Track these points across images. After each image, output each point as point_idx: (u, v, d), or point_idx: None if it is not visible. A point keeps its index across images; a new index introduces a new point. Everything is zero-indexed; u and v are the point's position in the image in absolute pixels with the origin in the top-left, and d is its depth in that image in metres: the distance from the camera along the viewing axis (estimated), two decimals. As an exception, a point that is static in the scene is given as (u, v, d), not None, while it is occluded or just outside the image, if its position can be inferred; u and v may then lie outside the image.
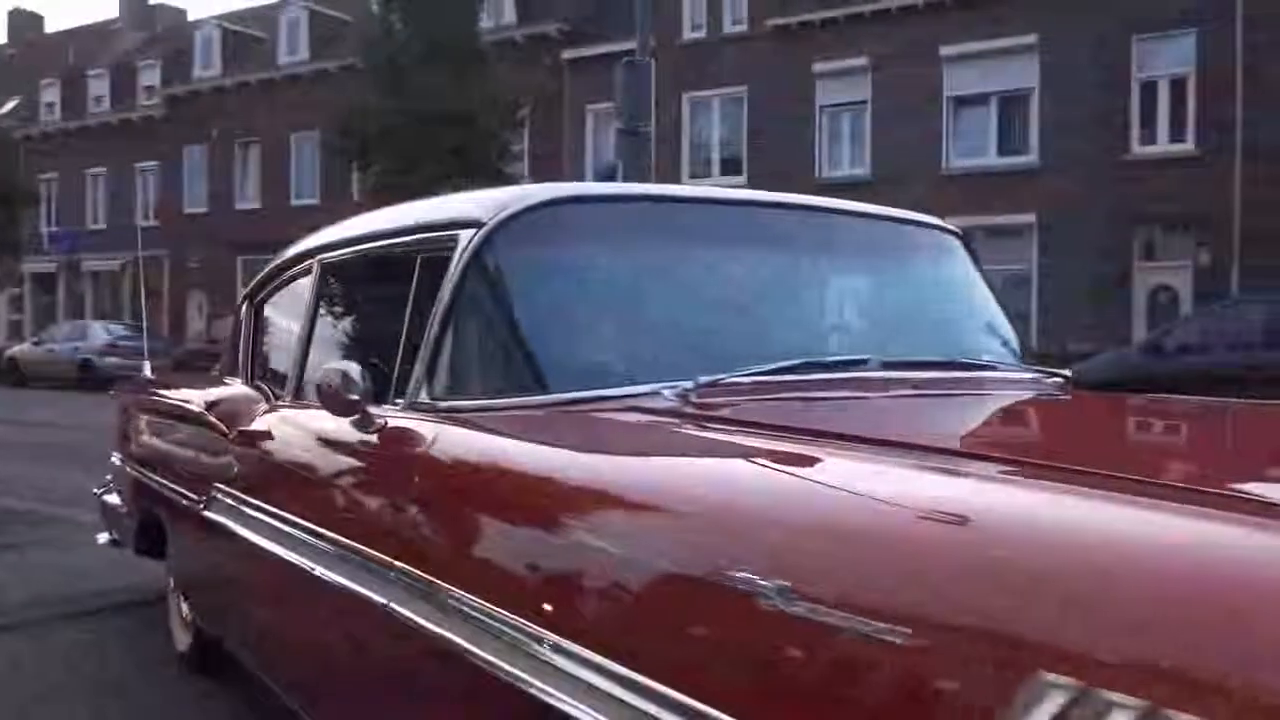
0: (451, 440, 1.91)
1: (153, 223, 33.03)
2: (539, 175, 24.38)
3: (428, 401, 2.12)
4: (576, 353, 2.07)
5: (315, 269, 2.90)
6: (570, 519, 1.58)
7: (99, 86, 35.41)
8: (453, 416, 2.00)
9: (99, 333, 24.06)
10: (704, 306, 2.19)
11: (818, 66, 22.19)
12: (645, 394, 1.94)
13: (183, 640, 3.84)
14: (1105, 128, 19.16)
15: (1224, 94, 18.16)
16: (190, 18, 38.12)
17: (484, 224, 2.15)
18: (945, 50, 20.70)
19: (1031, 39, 19.94)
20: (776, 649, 1.13)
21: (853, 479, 1.33)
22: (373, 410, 2.16)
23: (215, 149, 31.89)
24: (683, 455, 1.69)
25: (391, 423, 2.13)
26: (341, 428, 2.23)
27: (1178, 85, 19.05)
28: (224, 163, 31.84)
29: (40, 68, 37.50)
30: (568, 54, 25.36)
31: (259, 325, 3.45)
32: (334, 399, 2.15)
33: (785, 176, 21.73)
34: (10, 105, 37.09)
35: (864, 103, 21.87)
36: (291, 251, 3.20)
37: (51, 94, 36.55)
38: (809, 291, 2.35)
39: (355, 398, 2.13)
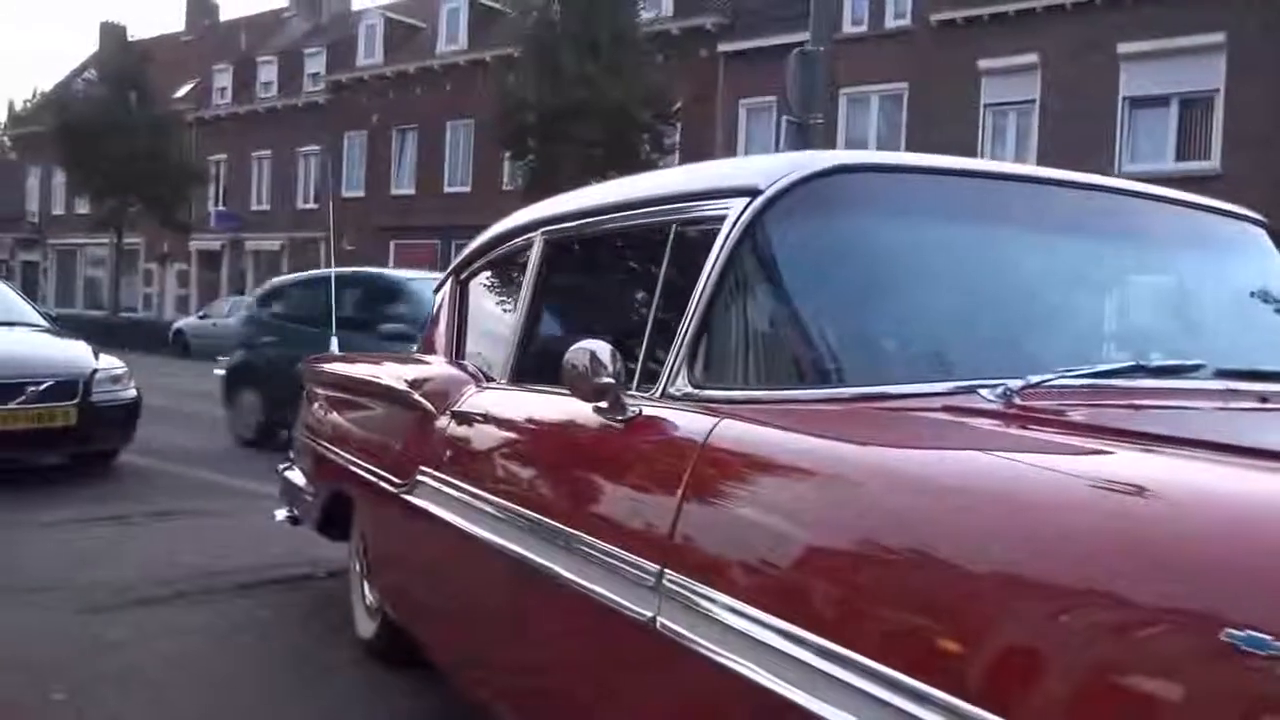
0: (736, 436, 1.67)
1: (312, 205, 34.11)
2: (690, 169, 24.13)
3: (688, 390, 1.89)
4: (872, 342, 1.82)
5: (538, 244, 2.72)
6: (896, 537, 1.33)
7: (268, 73, 36.73)
8: (726, 409, 1.77)
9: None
10: (1013, 296, 1.92)
11: (983, 63, 21.38)
12: (958, 392, 1.67)
13: (367, 627, 3.73)
14: (1297, 134, 17.90)
15: None
16: (355, 6, 39.20)
17: (760, 192, 1.91)
18: (1123, 48, 19.67)
19: (1219, 37, 18.77)
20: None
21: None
22: (624, 397, 1.95)
23: (374, 135, 32.69)
24: (1043, 469, 1.41)
25: (647, 411, 1.91)
26: (585, 414, 2.02)
27: (1383, 89, 17.69)
28: (382, 149, 32.62)
29: (214, 54, 39.12)
30: (723, 47, 25.09)
31: (465, 303, 3.29)
32: (582, 381, 1.94)
33: (945, 177, 21.03)
34: (185, 89, 38.78)
35: (1032, 102, 20.97)
36: (505, 226, 3.03)
37: (223, 79, 38.06)
38: (1122, 284, 2.03)
39: (608, 381, 1.92)
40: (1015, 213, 1.99)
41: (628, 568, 1.74)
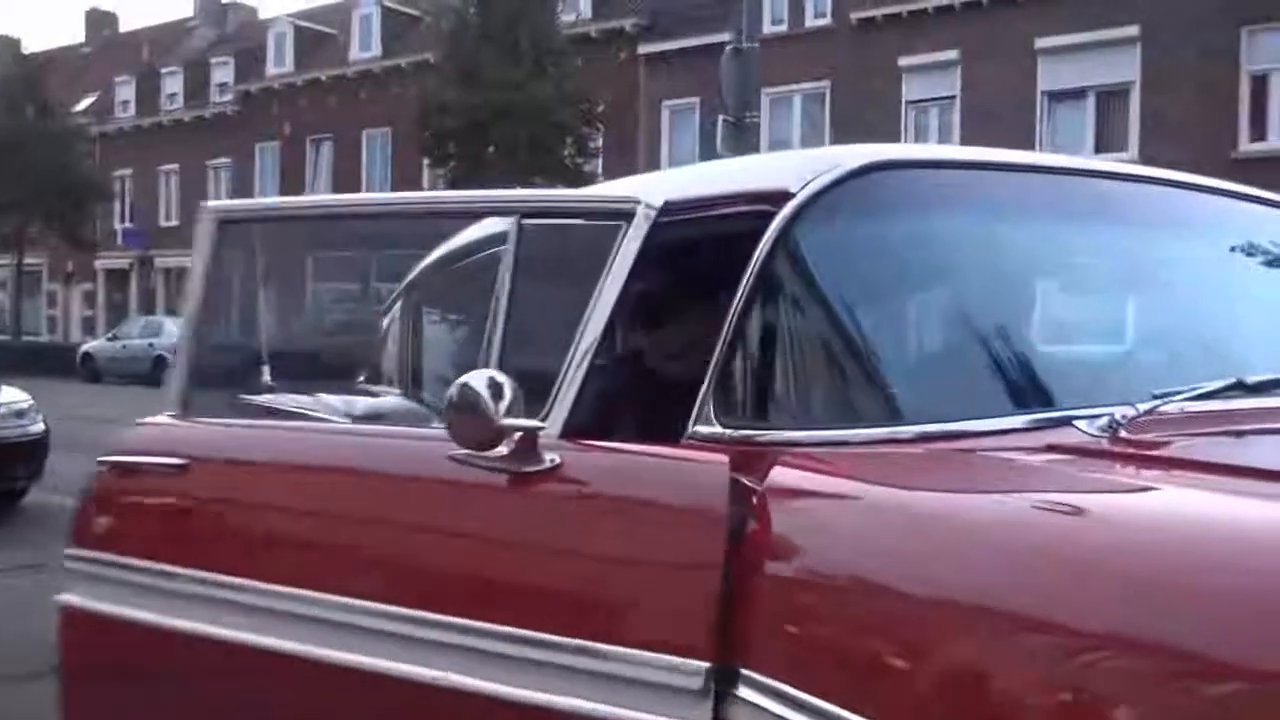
0: (800, 488, 1.38)
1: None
2: (613, 172, 23.92)
3: (718, 432, 1.58)
4: (945, 367, 1.54)
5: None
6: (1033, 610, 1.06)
7: (173, 84, 35.59)
8: (774, 453, 1.48)
9: (172, 329, 24.05)
10: (1091, 305, 1.66)
11: (904, 61, 21.46)
12: (1051, 425, 1.41)
13: None
14: (1211, 124, 18.23)
15: (1343, 88, 17.20)
16: (261, 15, 38.21)
17: (792, 195, 1.62)
18: (1040, 43, 19.88)
19: (1133, 30, 19.06)
20: None
21: None
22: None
23: (287, 146, 31.86)
24: (1186, 531, 1.15)
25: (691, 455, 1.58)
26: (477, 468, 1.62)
27: (1292, 78, 18.11)
28: (296, 160, 31.79)
29: (115, 66, 37.81)
30: (643, 49, 24.87)
31: (420, 327, 2.95)
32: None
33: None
34: (86, 103, 37.44)
35: (953, 98, 21.11)
36: (471, 237, 2.70)
37: (126, 91, 36.80)
38: (1210, 289, 1.79)
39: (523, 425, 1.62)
40: (1079, 210, 1.73)
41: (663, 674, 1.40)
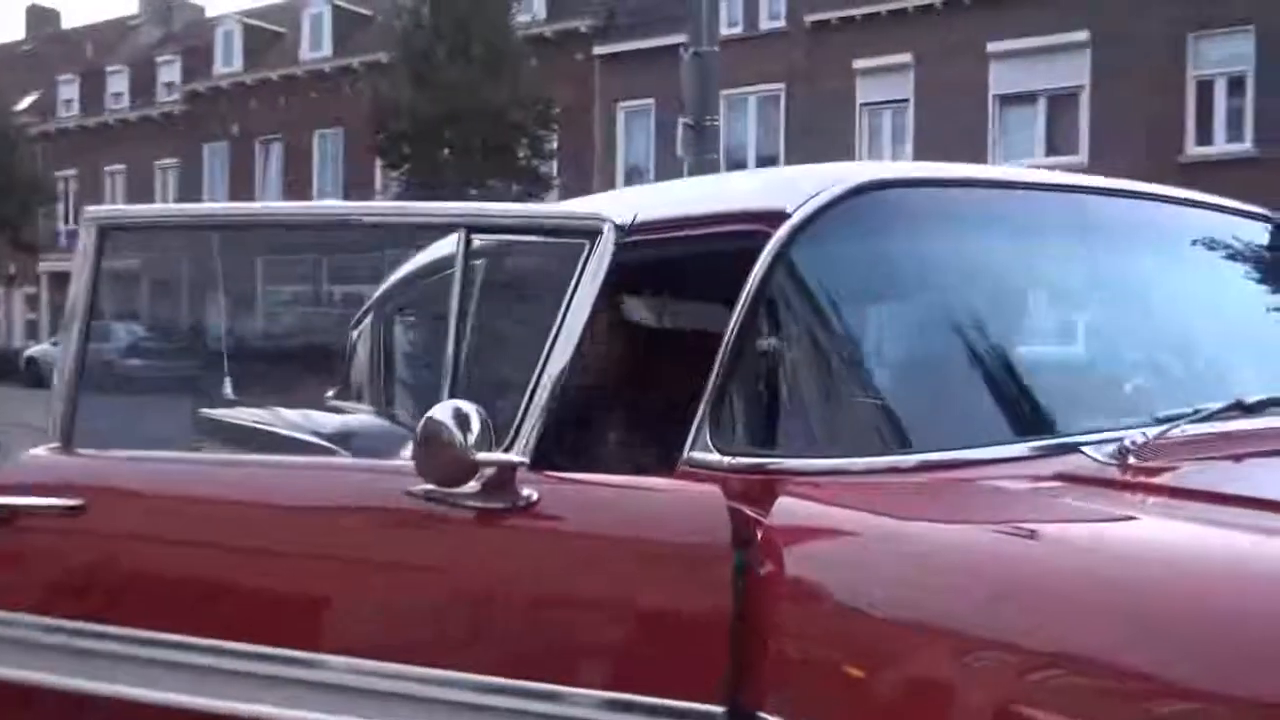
0: (807, 517, 1.34)
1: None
2: (569, 173, 23.83)
3: (714, 458, 1.54)
4: (948, 392, 1.50)
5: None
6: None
7: (118, 83, 34.91)
8: (773, 481, 1.44)
9: (120, 334, 23.58)
10: (1094, 327, 1.64)
11: (858, 63, 21.59)
12: (1056, 451, 1.38)
13: None
14: (1159, 128, 18.54)
15: (1285, 93, 17.54)
16: (208, 14, 37.61)
17: (787, 215, 1.58)
18: (992, 47, 20.09)
19: (1083, 35, 19.32)
20: None
21: None
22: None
23: (236, 147, 31.40)
24: (1204, 557, 1.13)
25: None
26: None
27: (1236, 84, 18.43)
28: (245, 160, 31.33)
29: (58, 64, 37.03)
30: (598, 50, 24.81)
31: (391, 343, 2.87)
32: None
33: (824, 176, 21.18)
34: (27, 101, 36.63)
35: (906, 101, 21.27)
36: (442, 250, 2.64)
37: (70, 90, 36.05)
38: (1202, 305, 1.77)
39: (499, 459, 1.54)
40: (1074, 227, 1.71)
41: None
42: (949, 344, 1.54)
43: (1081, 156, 19.49)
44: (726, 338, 1.57)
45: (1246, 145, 18.30)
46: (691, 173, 9.47)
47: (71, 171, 34.88)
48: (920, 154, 20.90)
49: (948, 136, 20.20)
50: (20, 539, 1.85)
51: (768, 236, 1.58)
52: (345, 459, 1.86)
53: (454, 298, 1.64)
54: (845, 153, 21.63)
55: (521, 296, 1.93)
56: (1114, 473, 1.32)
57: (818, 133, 21.80)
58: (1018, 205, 1.70)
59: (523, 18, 23.40)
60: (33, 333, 34.72)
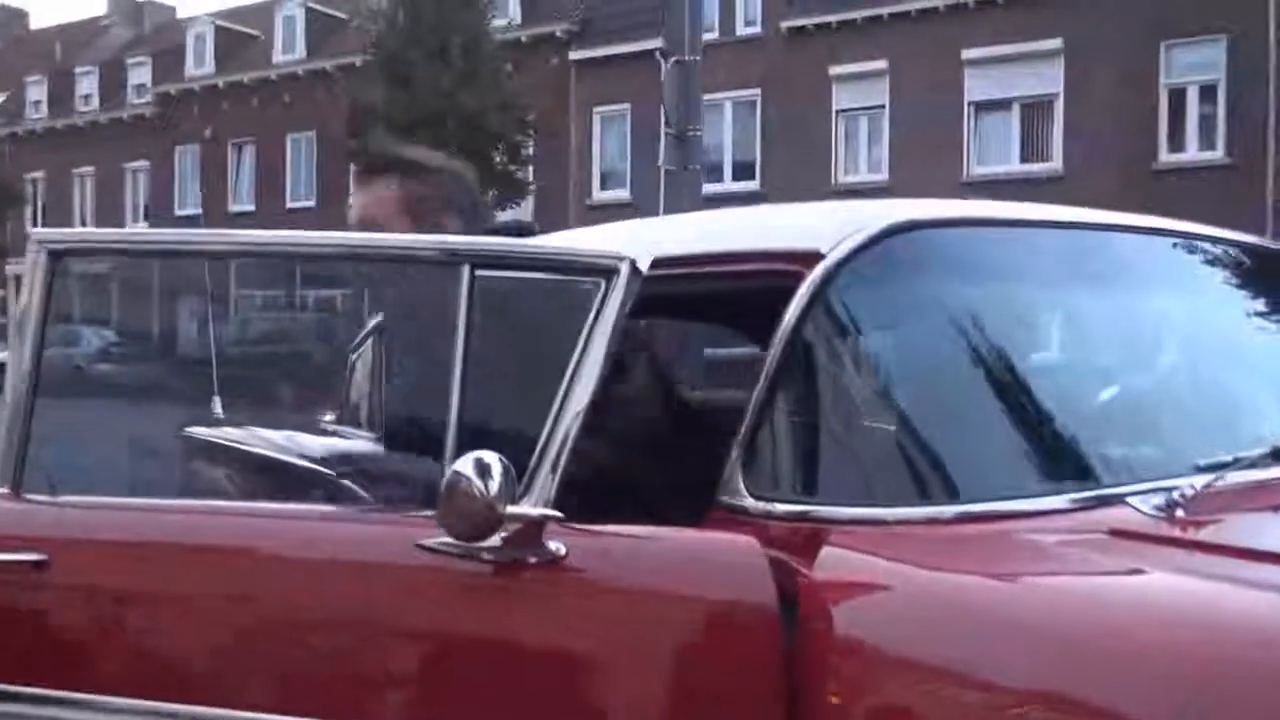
0: (855, 568, 1.31)
1: (143, 224, 32.28)
2: (546, 178, 23.77)
3: (748, 504, 1.51)
4: (987, 442, 1.48)
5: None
6: None
7: (87, 84, 34.52)
8: (812, 530, 1.41)
9: (91, 339, 23.30)
10: (1141, 371, 1.61)
11: (834, 69, 21.66)
12: (1101, 503, 1.36)
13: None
14: (1132, 135, 18.72)
15: (1256, 100, 17.73)
16: (179, 15, 37.26)
17: (821, 256, 1.55)
18: (967, 54, 20.20)
19: (1056, 43, 19.47)
20: None
21: None
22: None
23: (208, 149, 31.11)
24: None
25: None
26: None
27: (1208, 91, 18.63)
28: (217, 163, 31.06)
29: (26, 65, 36.56)
30: (574, 55, 24.76)
31: (390, 371, 2.82)
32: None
33: (800, 181, 21.22)
34: (-6, 103, 36.19)
35: (882, 107, 21.36)
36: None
37: (38, 91, 35.60)
38: (1237, 347, 1.75)
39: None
40: (1125, 270, 1.69)
41: None
42: (987, 390, 1.52)
43: (1056, 163, 19.64)
44: (761, 379, 1.54)
45: (1218, 153, 18.50)
46: (672, 182, 9.44)
47: (39, 174, 34.46)
48: (896, 160, 21.00)
49: (923, 143, 20.32)
50: None
51: (801, 277, 1.55)
52: (349, 509, 1.73)
53: (458, 338, 1.54)
54: (822, 159, 21.70)
55: (532, 336, 1.85)
56: (1164, 527, 1.29)
57: (794, 138, 21.86)
58: (1054, 244, 1.68)
59: (498, 22, 23.31)
60: (0, 335, 34.29)
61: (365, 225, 2.12)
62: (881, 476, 1.50)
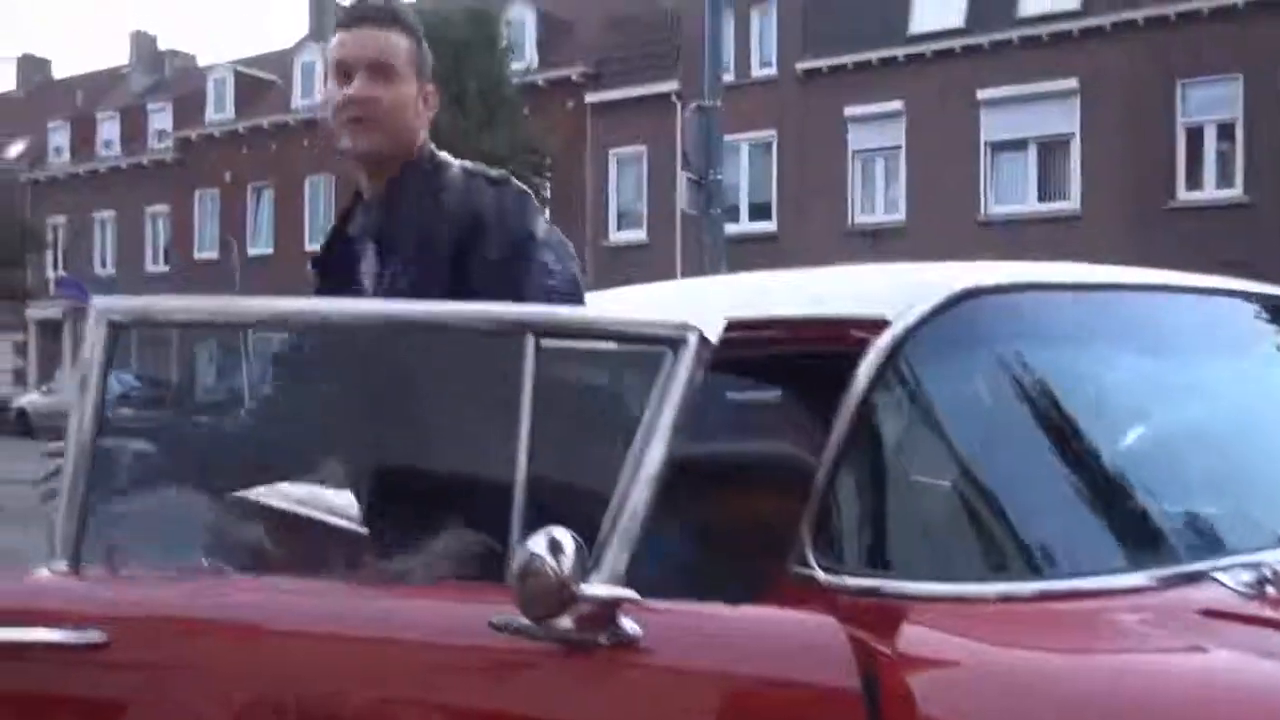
0: (943, 652, 1.27)
1: (163, 268, 32.55)
2: (562, 221, 23.85)
3: (818, 575, 1.47)
4: (1066, 515, 1.44)
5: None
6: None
7: (109, 130, 34.97)
8: (888, 607, 1.38)
9: (110, 383, 23.33)
10: (1220, 440, 1.57)
11: (849, 110, 21.75)
12: (1186, 580, 1.32)
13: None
14: (1149, 173, 18.72)
15: (1274, 137, 17.72)
16: (199, 62, 37.76)
17: (887, 323, 1.53)
18: (982, 94, 20.28)
19: (1072, 83, 19.53)
20: None
21: None
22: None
23: (227, 193, 31.41)
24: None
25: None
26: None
27: (1225, 130, 18.65)
28: (236, 207, 31.35)
29: (49, 111, 37.07)
30: (590, 98, 24.97)
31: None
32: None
33: (817, 222, 21.27)
34: (17, 149, 36.64)
35: (898, 147, 21.42)
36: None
37: (60, 137, 36.07)
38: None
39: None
40: (1199, 333, 1.66)
41: None
42: (1063, 460, 1.49)
43: (1073, 202, 19.65)
44: (830, 449, 1.51)
45: (1236, 190, 18.48)
46: (689, 224, 9.45)
47: (61, 218, 34.84)
48: (913, 200, 21.04)
49: (940, 183, 20.36)
50: (25, 679, 1.62)
51: (867, 344, 1.53)
52: (414, 582, 1.68)
53: (523, 408, 1.51)
54: (838, 199, 21.74)
55: (597, 406, 1.82)
56: (1256, 606, 1.26)
57: (810, 179, 21.93)
58: (1123, 308, 1.65)
59: (515, 65, 23.54)
60: (20, 379, 34.48)
61: (368, 77, 1.86)
62: (957, 550, 1.47)
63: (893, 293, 1.59)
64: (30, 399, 26.11)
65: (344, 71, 1.90)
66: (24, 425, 24.11)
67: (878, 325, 1.53)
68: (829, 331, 1.61)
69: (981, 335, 1.55)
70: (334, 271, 1.98)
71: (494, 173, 1.96)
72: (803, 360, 1.66)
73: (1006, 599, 1.35)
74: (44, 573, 1.67)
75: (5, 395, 30.06)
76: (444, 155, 2.01)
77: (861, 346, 1.53)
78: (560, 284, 1.80)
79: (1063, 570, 1.38)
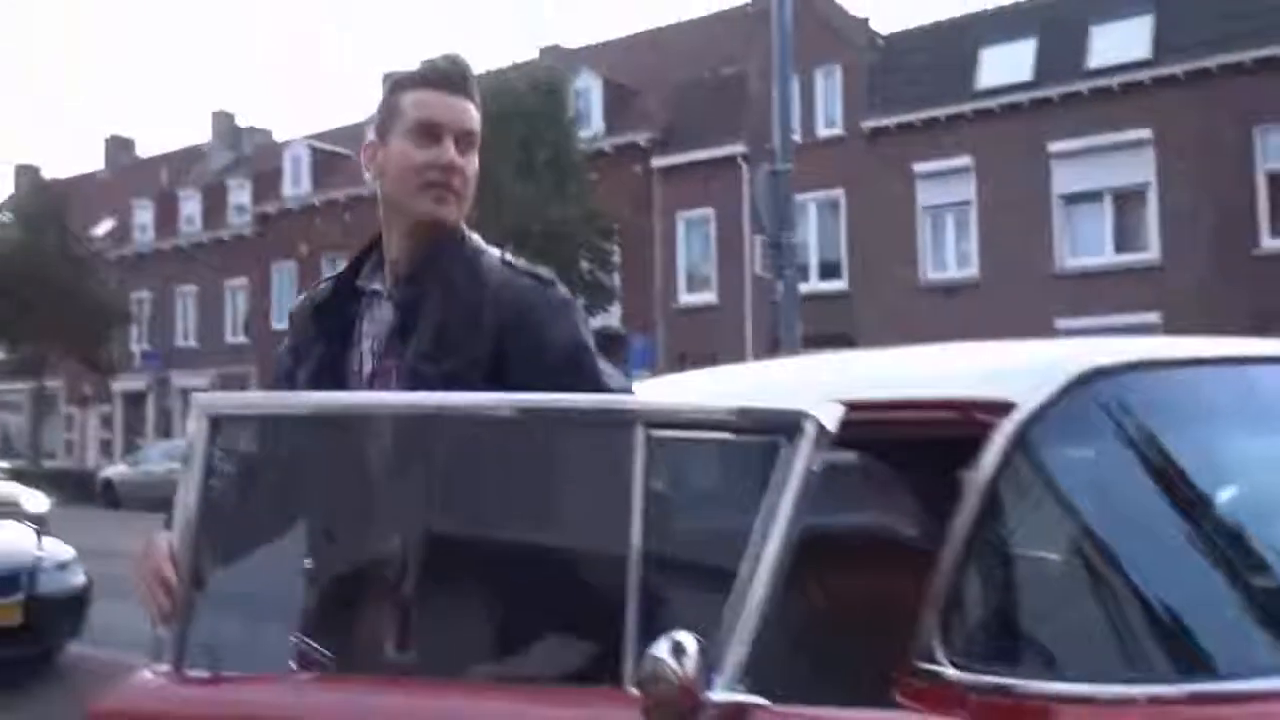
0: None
1: (243, 339, 33.30)
2: (631, 284, 24.02)
3: (947, 672, 1.40)
4: (1212, 610, 1.36)
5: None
6: None
7: (190, 206, 36.12)
8: (1024, 706, 1.30)
9: (159, 458, 23.86)
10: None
11: (918, 167, 21.67)
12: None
13: None
14: (1231, 221, 18.30)
15: (1360, 182, 17.26)
16: (276, 137, 38.93)
17: (1012, 406, 1.47)
18: (1054, 147, 20.06)
19: (1145, 133, 19.24)
20: None
21: None
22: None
23: (304, 265, 32.14)
24: None
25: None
26: None
27: (1309, 175, 18.22)
28: (312, 278, 31.97)
29: (134, 190, 38.44)
30: (657, 162, 25.19)
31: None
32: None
33: (887, 279, 21.11)
34: (105, 227, 37.96)
35: (968, 203, 21.24)
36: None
37: (144, 215, 37.33)
38: None
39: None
40: None
41: None
42: (1208, 547, 1.40)
43: (1154, 253, 19.26)
44: (954, 539, 1.45)
45: (1322, 236, 17.98)
46: (757, 285, 9.38)
47: (145, 294, 35.93)
48: (985, 255, 20.79)
49: (1013, 236, 20.12)
50: None
51: (991, 427, 1.47)
52: (526, 682, 1.64)
53: (635, 501, 1.49)
54: (908, 256, 21.57)
55: (712, 497, 1.77)
56: None
57: (879, 236, 21.81)
58: (1257, 383, 1.57)
59: (583, 133, 23.88)
60: (107, 451, 35.37)
61: (458, 146, 1.81)
62: (1097, 646, 1.39)
63: (1014, 373, 1.53)
64: (117, 470, 26.70)
65: (431, 133, 1.81)
66: (111, 496, 24.65)
67: (1003, 408, 1.48)
68: (951, 414, 1.55)
69: (1109, 416, 1.48)
70: (326, 318, 1.88)
71: (542, 271, 1.84)
72: (922, 444, 1.60)
73: (1156, 700, 1.27)
74: (147, 675, 1.67)
75: (93, 467, 30.84)
76: (476, 236, 1.93)
77: (985, 430, 1.47)
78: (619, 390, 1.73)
79: (1216, 670, 1.29)
